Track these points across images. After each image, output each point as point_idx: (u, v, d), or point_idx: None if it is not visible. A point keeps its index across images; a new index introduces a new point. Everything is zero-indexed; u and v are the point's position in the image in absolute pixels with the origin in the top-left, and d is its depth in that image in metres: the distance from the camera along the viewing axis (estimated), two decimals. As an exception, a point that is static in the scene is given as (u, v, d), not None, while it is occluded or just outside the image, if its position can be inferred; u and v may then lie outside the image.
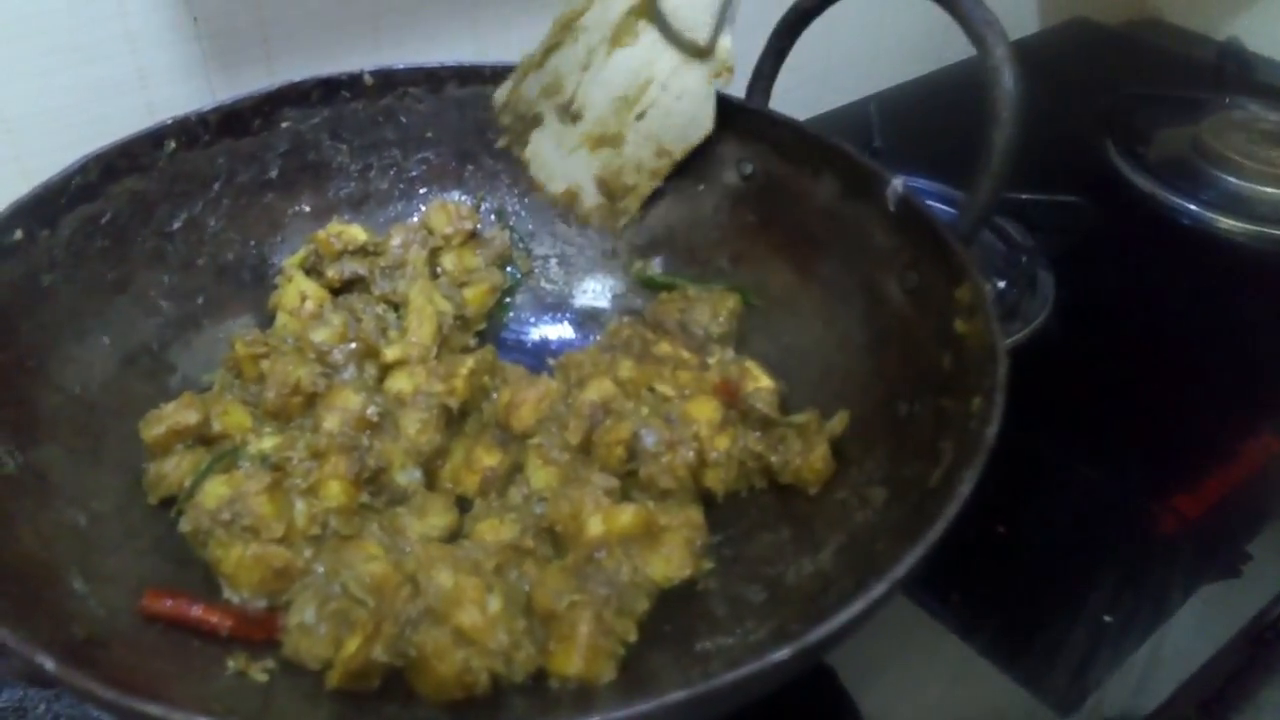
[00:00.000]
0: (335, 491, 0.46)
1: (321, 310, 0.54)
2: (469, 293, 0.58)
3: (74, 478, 0.45)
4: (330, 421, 0.49)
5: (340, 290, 0.57)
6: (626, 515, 0.45)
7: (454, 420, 0.51)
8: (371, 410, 0.49)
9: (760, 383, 0.52)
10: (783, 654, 0.32)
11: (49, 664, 0.32)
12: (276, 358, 0.51)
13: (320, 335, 0.52)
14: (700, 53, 0.53)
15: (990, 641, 0.52)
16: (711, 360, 0.54)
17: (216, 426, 0.49)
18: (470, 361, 0.52)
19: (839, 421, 0.49)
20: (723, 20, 0.52)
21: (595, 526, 0.45)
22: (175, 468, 0.47)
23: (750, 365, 0.53)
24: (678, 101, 0.54)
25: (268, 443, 0.48)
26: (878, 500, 0.45)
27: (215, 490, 0.45)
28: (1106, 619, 0.54)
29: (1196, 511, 0.60)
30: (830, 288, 0.54)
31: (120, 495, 0.46)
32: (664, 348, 0.55)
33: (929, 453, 0.42)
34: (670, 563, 0.46)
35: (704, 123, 0.55)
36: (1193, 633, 0.54)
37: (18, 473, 0.42)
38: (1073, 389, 0.66)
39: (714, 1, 0.51)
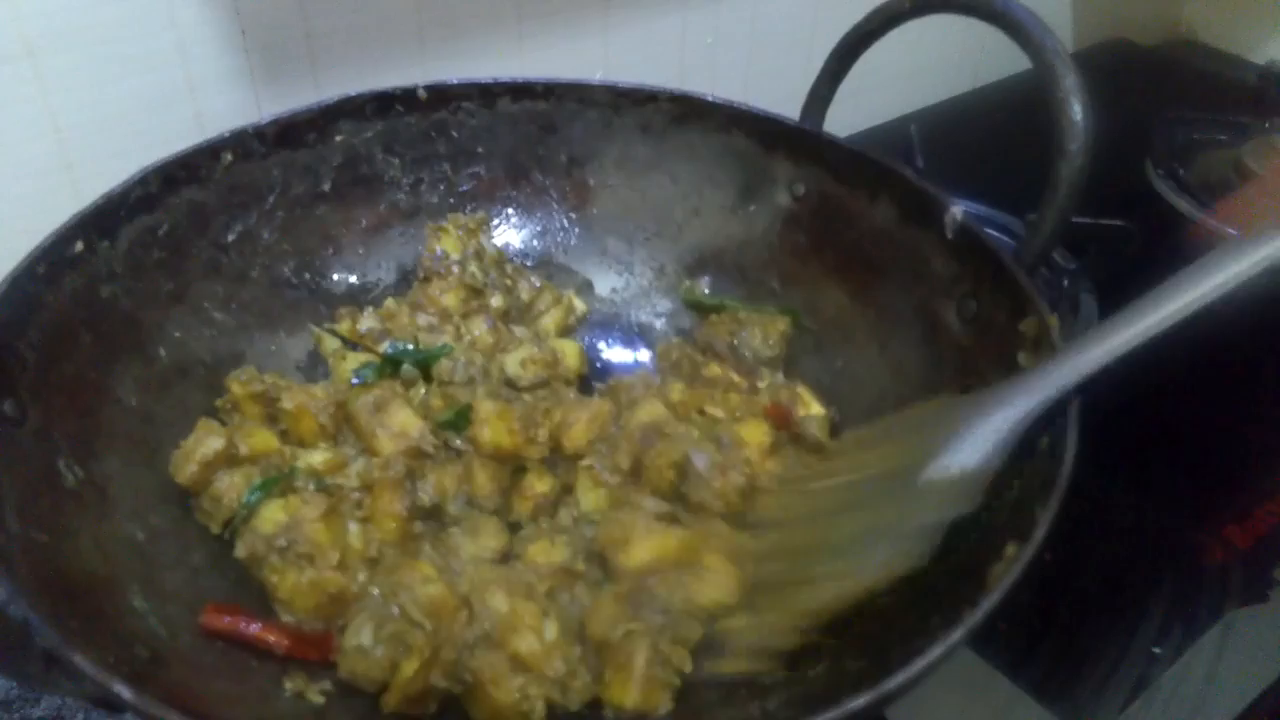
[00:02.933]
0: (389, 527, 0.46)
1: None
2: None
3: (132, 491, 0.45)
4: (386, 444, 0.48)
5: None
6: (672, 540, 0.45)
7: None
8: (428, 443, 0.48)
9: (811, 409, 0.52)
10: (858, 702, 0.32)
11: (126, 692, 0.32)
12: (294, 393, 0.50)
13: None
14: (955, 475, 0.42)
15: (1035, 675, 0.51)
16: (762, 384, 0.54)
17: (243, 449, 0.48)
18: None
19: None
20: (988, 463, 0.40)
21: (641, 554, 0.45)
22: (228, 489, 0.46)
23: (801, 390, 0.53)
24: None
25: (318, 458, 0.48)
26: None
27: (271, 515, 0.45)
28: (1155, 650, 0.53)
29: (1246, 542, 0.59)
30: (885, 312, 0.53)
31: (177, 510, 0.46)
32: (714, 370, 0.54)
33: (993, 488, 0.42)
34: (718, 588, 0.45)
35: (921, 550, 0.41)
36: (1243, 665, 0.53)
37: (78, 486, 0.42)
38: (1117, 414, 0.66)
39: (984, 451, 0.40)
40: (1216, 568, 0.58)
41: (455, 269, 0.57)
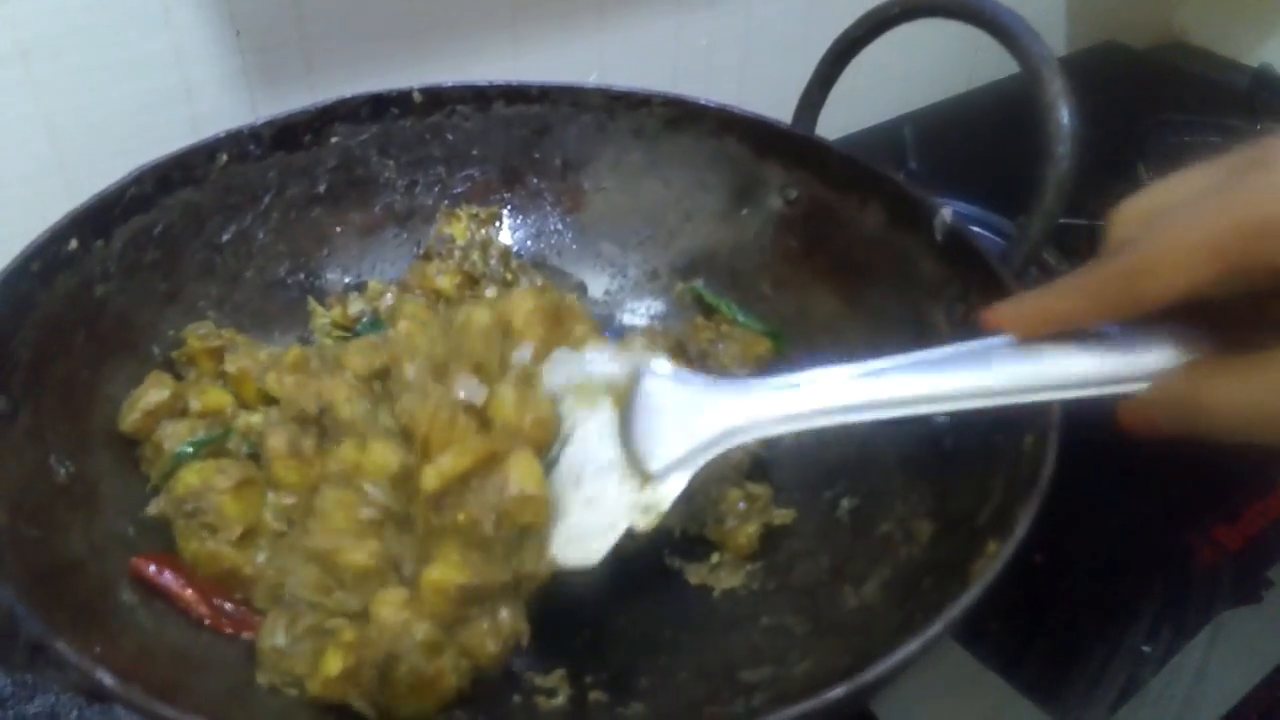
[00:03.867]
0: (285, 476, 0.43)
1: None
2: None
3: (123, 488, 0.45)
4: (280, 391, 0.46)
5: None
6: (460, 459, 0.39)
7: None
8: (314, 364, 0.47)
9: None
10: (836, 693, 0.32)
11: (109, 680, 0.32)
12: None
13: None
14: (643, 478, 0.40)
15: (1027, 673, 0.52)
16: None
17: (196, 405, 0.48)
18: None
19: (786, 515, 0.49)
20: (682, 469, 0.39)
21: (431, 480, 0.39)
22: (170, 436, 0.46)
23: None
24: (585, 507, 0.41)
25: (256, 418, 0.48)
26: (923, 535, 0.44)
27: (187, 478, 0.44)
28: (1145, 649, 0.53)
29: (1236, 543, 0.59)
30: (876, 315, 0.53)
31: (168, 506, 0.46)
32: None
33: (978, 489, 0.42)
34: (530, 511, 0.39)
35: (594, 551, 0.40)
36: (1232, 664, 0.54)
37: (70, 483, 0.43)
38: (1107, 414, 0.66)
39: (682, 451, 0.38)
40: (1207, 569, 0.58)
41: (457, 253, 0.57)
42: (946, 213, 0.50)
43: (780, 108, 0.61)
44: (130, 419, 0.46)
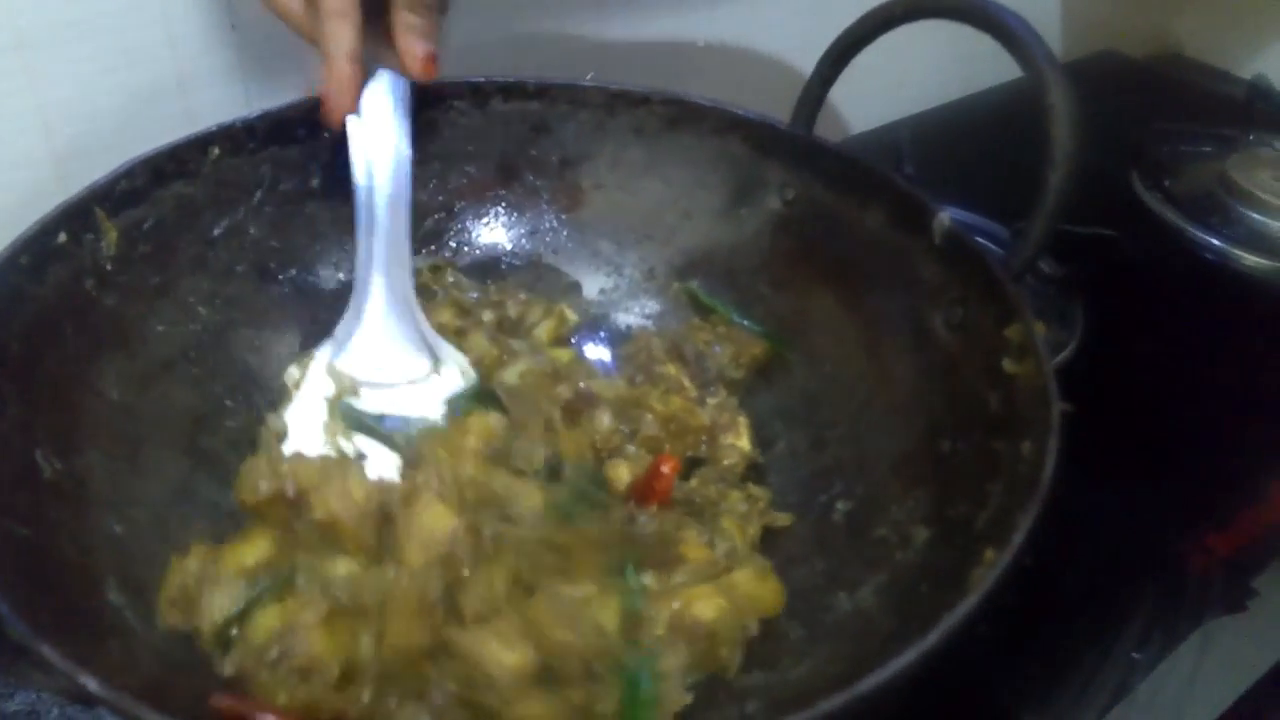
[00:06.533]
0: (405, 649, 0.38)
1: None
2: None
3: (111, 485, 0.44)
4: (414, 555, 0.40)
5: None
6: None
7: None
8: (462, 546, 0.40)
9: (739, 441, 0.52)
10: (833, 702, 0.32)
11: (93, 684, 0.32)
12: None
13: None
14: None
15: (1016, 678, 0.52)
16: (711, 400, 0.53)
17: (229, 569, 0.41)
18: None
19: (784, 518, 0.49)
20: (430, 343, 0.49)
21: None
22: (219, 609, 0.40)
23: (743, 421, 0.53)
24: None
25: (342, 567, 0.41)
26: (919, 540, 0.44)
27: (264, 623, 0.39)
28: (1135, 655, 0.53)
29: (1227, 550, 0.59)
30: (873, 318, 0.53)
31: (157, 504, 0.46)
32: (668, 369, 0.54)
33: (976, 494, 0.42)
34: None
35: None
36: (1221, 671, 0.54)
37: (57, 479, 0.42)
38: (1101, 421, 0.66)
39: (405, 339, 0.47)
40: (1198, 575, 0.58)
41: (440, 293, 0.57)
42: (945, 216, 0.50)
43: (779, 107, 0.61)
44: (170, 618, 0.40)
